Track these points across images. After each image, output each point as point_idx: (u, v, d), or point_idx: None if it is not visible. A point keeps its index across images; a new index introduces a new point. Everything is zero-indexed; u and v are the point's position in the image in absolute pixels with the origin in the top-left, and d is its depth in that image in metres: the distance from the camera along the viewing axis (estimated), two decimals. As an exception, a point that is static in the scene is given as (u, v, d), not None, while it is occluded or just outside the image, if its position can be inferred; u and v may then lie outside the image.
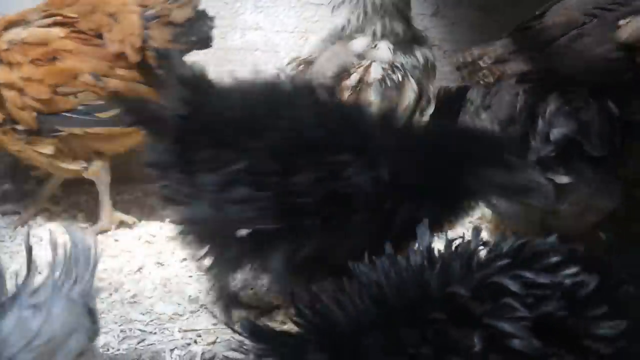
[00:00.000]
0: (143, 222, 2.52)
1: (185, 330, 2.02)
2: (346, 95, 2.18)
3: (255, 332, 1.39)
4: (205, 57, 2.66)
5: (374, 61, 2.24)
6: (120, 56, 2.35)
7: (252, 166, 1.76)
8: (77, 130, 2.36)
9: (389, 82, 2.22)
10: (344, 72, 2.23)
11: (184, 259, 2.30)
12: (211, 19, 2.38)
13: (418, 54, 2.28)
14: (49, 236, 1.61)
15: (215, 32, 2.64)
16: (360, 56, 2.27)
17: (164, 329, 2.02)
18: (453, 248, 1.45)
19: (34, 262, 1.54)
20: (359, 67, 2.23)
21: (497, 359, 1.29)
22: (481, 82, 2.06)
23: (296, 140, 1.76)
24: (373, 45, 2.27)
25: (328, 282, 1.49)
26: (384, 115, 1.87)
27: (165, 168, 1.88)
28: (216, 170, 1.79)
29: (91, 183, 2.75)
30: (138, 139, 2.29)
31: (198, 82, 1.91)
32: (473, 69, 2.10)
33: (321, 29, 2.62)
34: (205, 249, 1.91)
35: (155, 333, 2.00)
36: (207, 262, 1.95)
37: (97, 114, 2.36)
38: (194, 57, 2.64)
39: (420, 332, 1.32)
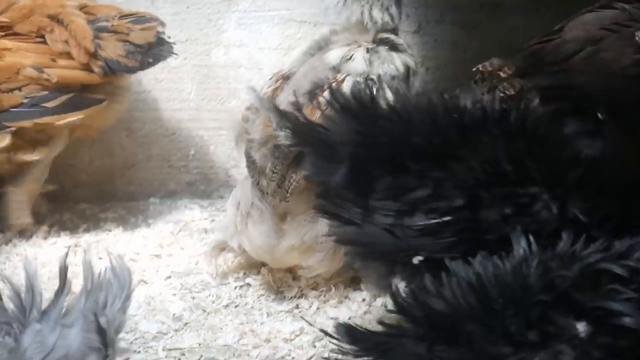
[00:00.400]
0: (127, 240, 2.51)
1: (170, 349, 2.02)
2: (317, 114, 2.08)
3: (352, 334, 1.42)
4: (189, 74, 2.69)
5: (348, 75, 2.17)
6: (64, 54, 2.40)
7: (436, 196, 1.68)
8: (26, 124, 2.39)
9: (363, 96, 2.16)
10: (317, 89, 2.16)
11: (168, 277, 2.30)
12: (171, 45, 2.43)
13: (398, 62, 2.22)
14: (83, 257, 1.60)
15: (199, 49, 2.68)
16: (335, 69, 2.20)
17: (148, 347, 2.03)
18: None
19: (67, 282, 1.54)
20: (332, 82, 2.15)
21: (605, 342, 1.31)
22: (502, 94, 2.04)
23: (485, 172, 1.67)
24: (348, 57, 2.20)
25: (426, 279, 1.50)
26: (575, 146, 1.74)
27: (333, 188, 1.79)
28: (395, 197, 1.71)
29: (75, 200, 2.77)
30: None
31: (367, 109, 1.83)
32: (493, 80, 2.09)
33: (303, 46, 2.63)
34: (369, 269, 1.85)
35: (139, 352, 2.01)
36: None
37: (43, 105, 2.39)
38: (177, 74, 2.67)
39: (525, 318, 1.33)
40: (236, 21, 2.65)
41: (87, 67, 2.41)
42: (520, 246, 1.49)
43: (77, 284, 1.57)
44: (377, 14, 2.23)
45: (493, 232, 1.62)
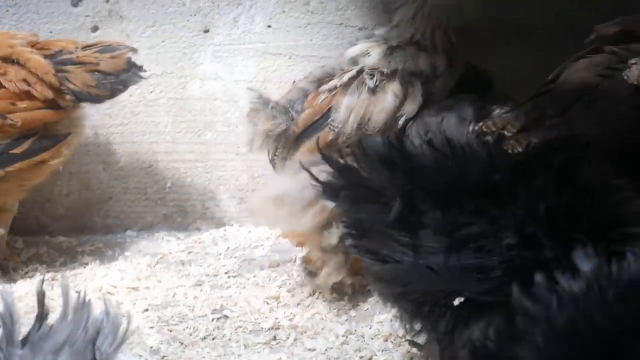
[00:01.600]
0: (104, 273, 2.54)
1: (147, 382, 2.05)
2: (321, 98, 2.25)
3: None
4: (165, 107, 2.74)
5: (359, 67, 2.29)
6: (24, 94, 2.38)
7: (488, 233, 1.67)
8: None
9: (365, 86, 2.25)
10: (326, 77, 2.29)
11: (146, 310, 2.33)
12: (140, 68, 2.44)
13: (422, 61, 2.30)
14: (61, 283, 1.59)
15: (174, 82, 2.72)
16: (353, 61, 2.32)
17: (125, 381, 2.06)
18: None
19: (46, 308, 1.56)
20: (341, 73, 2.28)
21: None
22: (510, 151, 2.00)
23: (537, 213, 1.66)
24: (366, 51, 2.32)
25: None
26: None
27: (376, 225, 1.79)
28: (446, 232, 1.69)
29: (52, 234, 2.80)
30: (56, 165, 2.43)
31: (403, 155, 1.83)
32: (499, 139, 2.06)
33: (280, 78, 2.68)
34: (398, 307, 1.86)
35: (116, 385, 2.03)
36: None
37: (11, 152, 2.38)
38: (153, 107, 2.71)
39: None
40: (211, 54, 2.68)
41: (52, 104, 2.40)
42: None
43: (53, 318, 1.59)
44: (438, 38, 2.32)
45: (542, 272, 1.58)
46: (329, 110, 2.24)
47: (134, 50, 2.48)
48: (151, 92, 2.72)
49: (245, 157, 2.76)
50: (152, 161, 2.78)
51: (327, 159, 1.92)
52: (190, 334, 2.23)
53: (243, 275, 2.51)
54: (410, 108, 2.25)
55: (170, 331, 2.23)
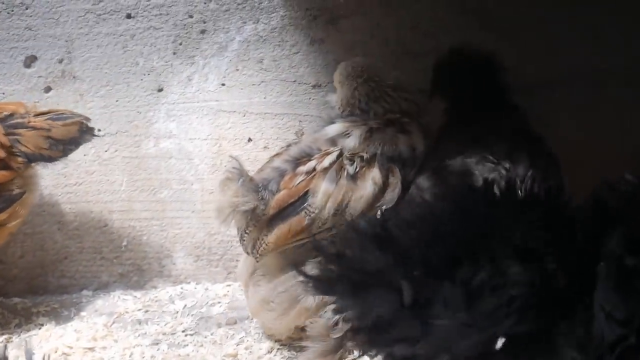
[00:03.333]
0: (60, 334, 2.56)
1: None
2: (297, 180, 2.24)
3: None
4: (120, 166, 2.78)
5: (338, 149, 2.28)
6: None
7: (496, 272, 1.68)
8: None
9: (345, 172, 2.25)
10: (304, 157, 2.29)
11: (102, 370, 2.36)
12: (92, 130, 2.52)
13: (401, 144, 2.30)
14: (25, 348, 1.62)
15: (129, 141, 2.77)
16: (332, 141, 2.32)
17: None
18: None
19: None
20: (321, 154, 2.28)
21: None
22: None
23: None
24: (346, 132, 2.31)
25: None
26: None
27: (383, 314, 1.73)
28: (462, 285, 1.68)
29: (6, 295, 2.82)
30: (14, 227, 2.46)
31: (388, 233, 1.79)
32: None
33: (234, 135, 2.74)
34: None
35: None
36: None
37: None
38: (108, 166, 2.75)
39: None
40: (165, 113, 2.74)
41: (2, 165, 2.44)
42: None
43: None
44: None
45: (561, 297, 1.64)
46: (306, 193, 2.22)
47: (87, 119, 2.54)
48: (106, 151, 2.76)
49: (201, 214, 2.80)
50: (107, 220, 2.82)
51: (317, 246, 1.89)
52: (147, 395, 2.25)
53: (200, 333, 2.54)
54: (389, 197, 2.24)
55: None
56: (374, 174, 2.24)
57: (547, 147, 2.32)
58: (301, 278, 1.85)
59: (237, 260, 2.76)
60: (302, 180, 2.24)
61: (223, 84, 2.73)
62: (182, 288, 2.84)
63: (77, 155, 2.59)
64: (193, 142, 2.77)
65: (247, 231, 2.25)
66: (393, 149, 2.29)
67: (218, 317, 2.63)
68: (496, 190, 1.86)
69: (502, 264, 1.68)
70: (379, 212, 2.22)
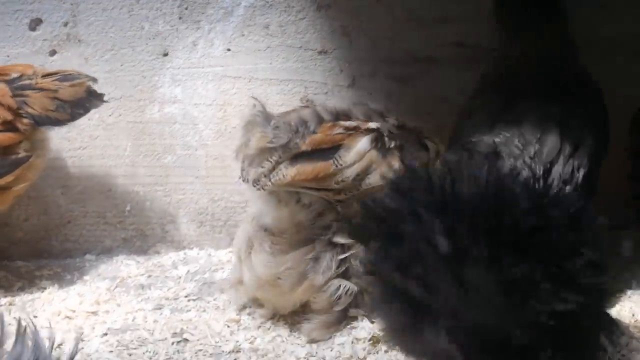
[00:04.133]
0: (63, 297, 2.58)
1: (107, 407, 2.09)
2: (337, 130, 2.23)
3: None
4: (124, 131, 2.79)
5: (380, 124, 2.28)
6: None
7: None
8: None
9: (380, 144, 2.25)
10: (343, 114, 2.30)
11: (105, 334, 2.37)
12: (101, 96, 2.52)
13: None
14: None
15: (133, 106, 2.78)
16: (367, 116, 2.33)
17: (85, 405, 2.09)
18: None
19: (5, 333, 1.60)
20: (364, 119, 2.29)
21: None
22: None
23: None
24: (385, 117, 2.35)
25: None
26: None
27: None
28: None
29: (10, 258, 2.84)
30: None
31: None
32: None
33: (239, 101, 2.74)
34: None
35: (76, 410, 2.06)
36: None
37: None
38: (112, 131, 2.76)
39: None
40: (170, 78, 2.74)
41: (9, 126, 2.45)
42: None
43: (10, 344, 1.64)
44: None
45: None
46: (339, 146, 2.22)
47: (94, 80, 2.55)
48: (110, 115, 2.76)
49: (204, 180, 2.82)
50: (111, 185, 2.83)
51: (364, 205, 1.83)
52: (150, 358, 2.26)
53: (203, 298, 2.55)
54: None
55: (130, 355, 2.27)
56: (400, 159, 2.25)
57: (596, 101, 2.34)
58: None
59: (240, 227, 2.77)
60: (341, 133, 2.23)
61: (228, 49, 2.74)
62: (185, 254, 2.86)
63: (81, 119, 2.58)
64: (198, 107, 2.77)
65: (270, 159, 2.19)
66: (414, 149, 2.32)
67: (221, 282, 2.63)
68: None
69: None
70: None
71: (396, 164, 2.26)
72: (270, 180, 2.18)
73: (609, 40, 2.63)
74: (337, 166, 2.21)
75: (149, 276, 2.73)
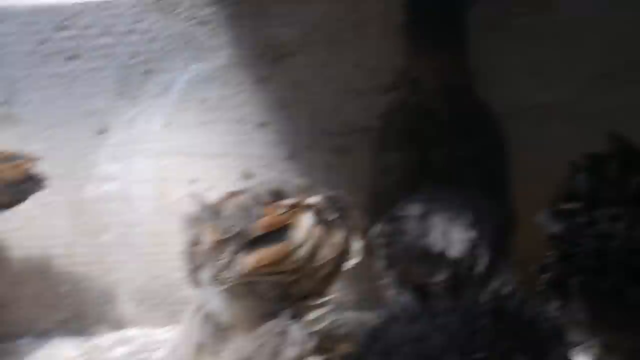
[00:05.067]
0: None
1: None
2: (281, 211, 2.19)
3: None
4: (62, 210, 2.76)
5: (319, 197, 2.26)
6: None
7: None
8: None
9: (324, 217, 2.24)
10: (279, 196, 2.25)
11: None
12: (42, 181, 2.50)
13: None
14: None
15: (71, 184, 2.76)
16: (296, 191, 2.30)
17: None
18: None
19: None
20: (301, 195, 2.25)
21: None
22: None
23: None
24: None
25: None
26: None
27: None
28: None
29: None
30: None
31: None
32: None
33: (178, 177, 2.74)
34: None
35: None
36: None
37: None
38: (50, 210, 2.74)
39: None
40: (108, 155, 2.74)
41: None
42: None
43: None
44: None
45: None
46: (287, 226, 2.19)
47: (36, 159, 2.53)
48: (47, 195, 2.73)
49: (143, 258, 2.78)
50: (48, 266, 2.78)
51: None
52: None
53: (142, 378, 2.49)
54: (357, 254, 2.26)
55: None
56: (338, 235, 2.24)
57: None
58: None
59: (181, 305, 2.71)
60: (285, 212, 2.20)
61: (167, 125, 2.73)
62: (123, 334, 2.80)
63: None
64: (136, 184, 2.75)
65: (226, 251, 2.12)
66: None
67: (160, 365, 2.57)
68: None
69: None
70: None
71: (340, 236, 2.25)
72: (231, 272, 2.13)
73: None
74: (291, 247, 2.17)
75: (87, 358, 2.67)
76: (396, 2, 2.55)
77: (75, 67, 2.72)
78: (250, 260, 2.13)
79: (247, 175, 2.71)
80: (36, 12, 2.70)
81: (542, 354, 1.65)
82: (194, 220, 2.20)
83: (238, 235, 2.14)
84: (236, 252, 2.13)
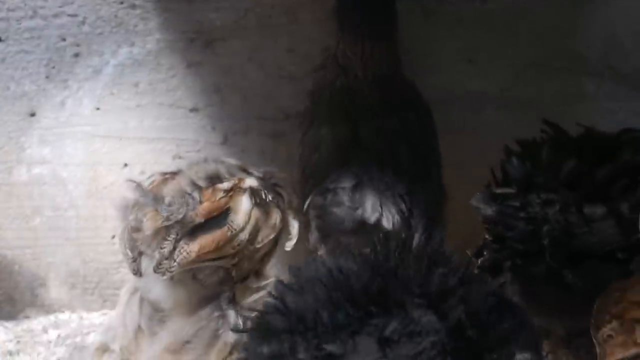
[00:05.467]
0: None
1: None
2: (219, 195, 2.19)
3: None
4: (-9, 193, 2.75)
5: (254, 178, 2.29)
6: None
7: None
8: None
9: (259, 199, 2.24)
10: (215, 178, 2.26)
11: None
12: None
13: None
14: None
15: (1, 167, 2.73)
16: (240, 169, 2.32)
17: None
18: None
19: None
20: (236, 177, 2.26)
21: None
22: None
23: None
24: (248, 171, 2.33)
25: None
26: None
27: None
28: None
29: None
30: None
31: None
32: None
33: (110, 160, 2.73)
34: None
35: None
36: None
37: None
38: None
39: None
40: (38, 138, 2.71)
41: None
42: None
43: None
44: None
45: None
46: (227, 210, 2.19)
47: None
48: (-25, 178, 2.72)
49: (75, 241, 2.78)
50: (-22, 249, 2.78)
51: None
52: None
53: (74, 362, 2.51)
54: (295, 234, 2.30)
55: None
56: (276, 213, 2.27)
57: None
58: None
59: (114, 289, 2.74)
60: (224, 197, 2.20)
61: (98, 108, 2.72)
62: (55, 317, 2.81)
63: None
64: (67, 167, 2.74)
65: (167, 238, 2.13)
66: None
67: (92, 346, 2.58)
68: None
69: (415, 313, 1.65)
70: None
71: (277, 216, 2.27)
72: (174, 261, 2.12)
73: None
74: (232, 231, 2.18)
75: (18, 342, 2.69)
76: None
77: (3, 49, 2.67)
78: (192, 248, 2.13)
79: (178, 157, 2.70)
80: (-38, -6, 2.64)
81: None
82: (133, 206, 2.19)
83: (179, 222, 2.15)
84: (178, 240, 2.15)
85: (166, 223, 2.13)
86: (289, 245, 2.30)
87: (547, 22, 2.63)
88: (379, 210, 2.22)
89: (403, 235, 1.89)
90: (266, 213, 2.26)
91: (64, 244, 2.78)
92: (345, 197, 2.24)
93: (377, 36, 2.38)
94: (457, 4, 2.63)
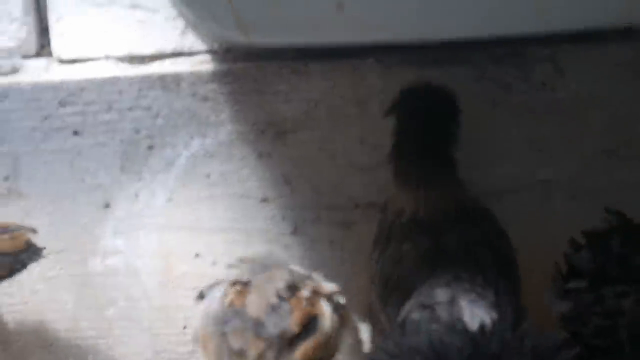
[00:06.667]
0: None
1: None
2: (304, 303, 2.25)
3: None
4: (66, 284, 2.80)
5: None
6: None
7: None
8: None
9: (337, 303, 2.31)
10: (293, 287, 2.30)
11: None
12: (39, 249, 2.52)
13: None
14: None
15: (75, 258, 2.79)
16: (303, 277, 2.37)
17: None
18: None
19: None
20: (308, 282, 2.33)
21: None
22: None
23: None
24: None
25: None
26: None
27: None
28: None
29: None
30: None
31: None
32: None
33: (182, 251, 2.77)
34: None
35: None
36: None
37: None
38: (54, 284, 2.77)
39: None
40: (112, 229, 2.76)
41: None
42: None
43: None
44: None
45: None
46: (315, 316, 2.25)
47: (34, 231, 2.56)
48: (51, 269, 2.78)
49: (148, 332, 2.81)
50: (52, 339, 2.82)
51: None
52: None
53: None
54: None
55: None
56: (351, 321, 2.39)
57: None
58: None
59: (185, 379, 2.76)
60: (307, 304, 2.26)
61: (170, 200, 2.76)
62: (129, 408, 2.83)
63: (21, 274, 2.58)
64: (140, 258, 2.78)
65: (269, 356, 2.18)
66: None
67: None
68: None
69: None
70: None
71: (353, 319, 2.38)
72: None
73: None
74: (324, 337, 2.23)
75: None
76: (395, 80, 2.59)
77: (78, 142, 2.75)
78: (297, 356, 2.19)
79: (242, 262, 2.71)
80: (40, 89, 2.73)
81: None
82: (234, 333, 2.22)
83: (278, 337, 2.20)
84: (279, 355, 2.20)
85: (267, 344, 2.18)
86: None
87: (618, 111, 2.62)
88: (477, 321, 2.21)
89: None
90: (341, 317, 2.32)
91: (137, 335, 2.81)
92: (444, 313, 2.23)
93: (432, 187, 2.41)
94: (527, 92, 2.64)
